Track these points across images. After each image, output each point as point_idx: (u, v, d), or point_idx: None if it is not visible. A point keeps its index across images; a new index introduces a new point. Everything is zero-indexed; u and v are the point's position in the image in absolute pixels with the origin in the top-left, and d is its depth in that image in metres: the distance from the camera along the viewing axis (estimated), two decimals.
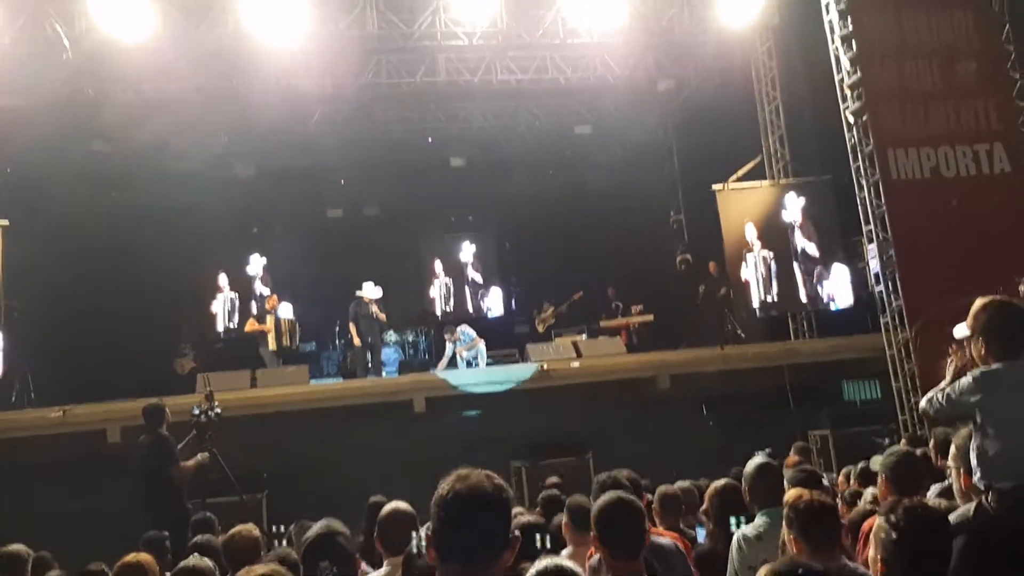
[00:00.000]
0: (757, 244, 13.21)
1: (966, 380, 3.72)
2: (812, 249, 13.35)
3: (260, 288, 15.26)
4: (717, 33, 13.53)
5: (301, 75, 13.70)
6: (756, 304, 13.29)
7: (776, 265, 13.20)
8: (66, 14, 11.66)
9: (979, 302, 3.78)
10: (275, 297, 13.79)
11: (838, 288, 13.28)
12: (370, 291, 13.22)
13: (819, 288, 13.32)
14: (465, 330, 13.68)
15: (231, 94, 13.89)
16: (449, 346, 13.60)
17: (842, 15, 10.64)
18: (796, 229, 13.36)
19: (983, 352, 3.72)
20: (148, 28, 11.37)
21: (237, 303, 15.06)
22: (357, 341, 13.16)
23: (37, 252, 12.56)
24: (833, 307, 13.32)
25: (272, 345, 13.14)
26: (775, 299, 13.27)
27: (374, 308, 13.12)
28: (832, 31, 10.84)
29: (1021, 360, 3.65)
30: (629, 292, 15.66)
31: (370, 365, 13.16)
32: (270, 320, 13.28)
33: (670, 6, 13.42)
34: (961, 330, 3.83)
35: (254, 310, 14.69)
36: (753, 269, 13.21)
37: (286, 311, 14.02)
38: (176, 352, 14.78)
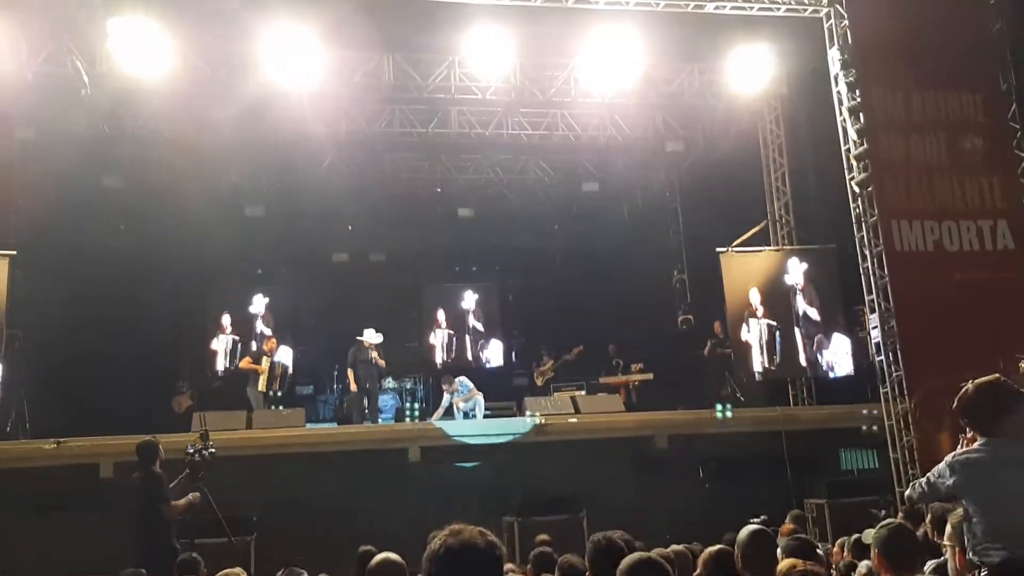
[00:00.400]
0: (761, 309, 13.28)
1: (941, 465, 3.79)
2: (814, 314, 13.41)
3: (261, 327, 15.28)
4: (726, 99, 13.78)
5: (315, 120, 13.91)
6: (758, 369, 13.32)
7: (779, 332, 13.25)
8: (88, 52, 11.89)
9: (981, 380, 3.85)
10: (274, 340, 13.74)
11: (838, 356, 13.30)
12: (371, 336, 13.22)
13: (819, 355, 13.34)
14: (463, 381, 13.65)
15: (245, 134, 14.06)
16: (446, 396, 13.56)
17: (851, 87, 10.78)
18: (798, 293, 13.45)
19: (970, 432, 3.78)
20: (167, 69, 11.60)
21: (239, 345, 15.02)
22: (354, 387, 13.11)
23: (42, 283, 12.61)
24: (832, 375, 13.33)
25: (262, 386, 13.01)
26: (776, 366, 13.30)
27: (374, 354, 13.10)
28: (840, 102, 10.98)
29: (997, 437, 3.69)
30: (630, 350, 15.65)
31: (367, 411, 13.10)
32: (265, 362, 13.21)
33: (680, 71, 13.67)
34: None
35: (253, 348, 14.67)
36: (756, 335, 13.26)
37: (284, 355, 14.00)
38: (174, 389, 14.74)
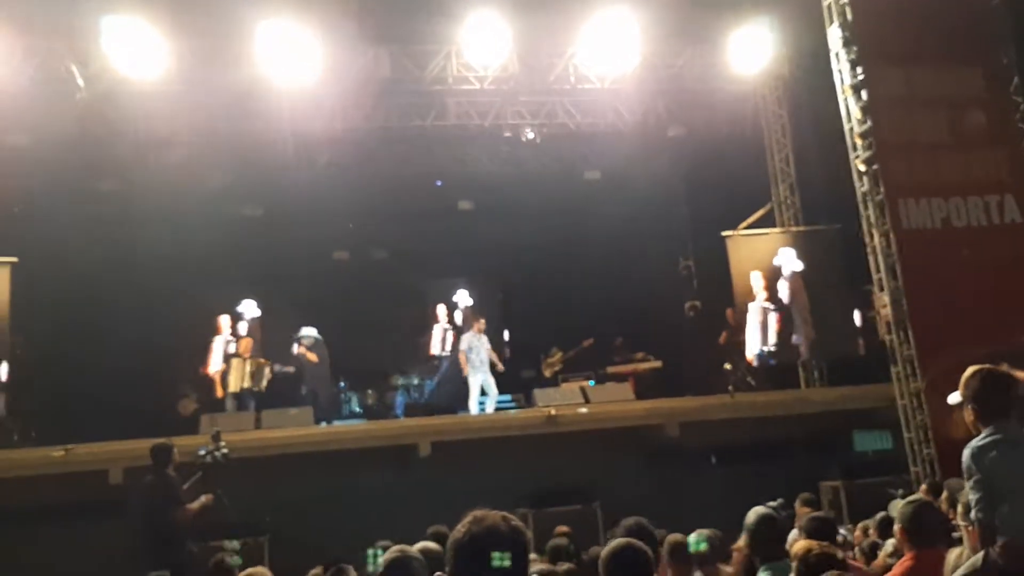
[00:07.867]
0: (762, 294, 13.19)
1: (967, 461, 3.66)
2: (818, 294, 13.33)
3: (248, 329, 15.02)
4: (727, 81, 13.67)
5: (311, 116, 13.78)
6: (755, 351, 13.25)
7: (776, 314, 13.15)
8: (81, 54, 11.81)
9: (969, 370, 3.87)
10: (249, 339, 13.28)
11: (844, 336, 13.23)
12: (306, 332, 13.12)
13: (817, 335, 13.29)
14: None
15: (241, 134, 13.95)
16: (469, 338, 13.20)
17: (852, 65, 10.68)
18: (802, 275, 13.34)
19: (973, 418, 3.79)
20: (161, 69, 11.52)
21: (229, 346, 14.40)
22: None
23: (43, 289, 12.54)
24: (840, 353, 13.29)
25: (219, 392, 12.72)
26: (772, 348, 13.25)
27: (301, 350, 12.81)
28: (842, 81, 10.88)
29: (1008, 423, 3.71)
30: (637, 339, 15.56)
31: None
32: (236, 363, 12.83)
33: (680, 54, 13.55)
34: (954, 397, 3.94)
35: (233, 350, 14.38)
36: (754, 317, 13.19)
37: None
38: (179, 392, 14.62)
